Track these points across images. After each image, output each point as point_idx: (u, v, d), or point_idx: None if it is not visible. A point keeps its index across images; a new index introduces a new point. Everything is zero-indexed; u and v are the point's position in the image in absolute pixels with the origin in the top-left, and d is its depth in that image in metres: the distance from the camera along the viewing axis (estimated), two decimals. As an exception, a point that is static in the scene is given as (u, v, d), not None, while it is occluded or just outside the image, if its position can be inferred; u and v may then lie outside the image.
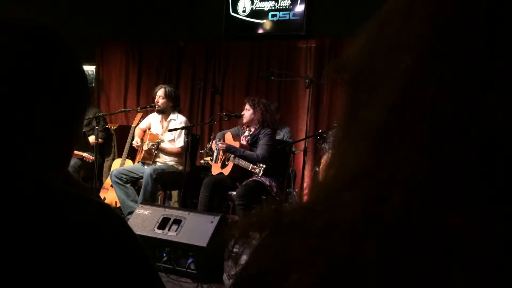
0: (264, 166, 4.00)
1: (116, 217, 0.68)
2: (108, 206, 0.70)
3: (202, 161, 5.51)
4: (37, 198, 0.63)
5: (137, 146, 4.92)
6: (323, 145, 4.54)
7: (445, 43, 0.31)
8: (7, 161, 0.64)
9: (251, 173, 4.20)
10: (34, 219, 0.61)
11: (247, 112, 4.50)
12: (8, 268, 0.58)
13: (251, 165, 4.09)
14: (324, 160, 4.49)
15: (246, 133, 4.61)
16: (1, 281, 0.58)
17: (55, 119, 0.68)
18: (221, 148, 4.36)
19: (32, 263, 0.59)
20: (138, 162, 4.89)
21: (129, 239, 0.67)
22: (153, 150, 4.73)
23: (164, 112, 4.88)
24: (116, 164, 5.15)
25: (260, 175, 4.02)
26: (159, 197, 5.02)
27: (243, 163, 4.19)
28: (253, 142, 4.50)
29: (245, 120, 4.54)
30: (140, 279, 0.65)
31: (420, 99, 0.31)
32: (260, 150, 4.37)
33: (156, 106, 4.86)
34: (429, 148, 0.30)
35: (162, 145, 4.79)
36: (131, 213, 3.98)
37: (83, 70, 0.74)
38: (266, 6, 6.45)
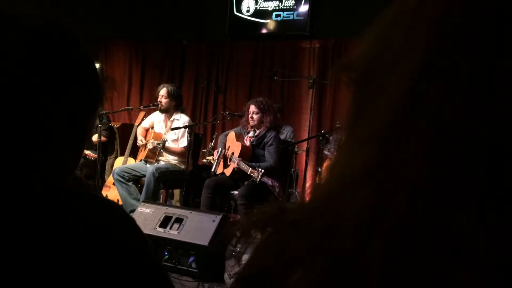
0: (262, 171, 3.97)
1: (126, 217, 0.68)
2: (118, 206, 0.69)
3: (204, 160, 5.51)
4: (48, 198, 0.63)
5: (141, 145, 4.91)
6: (326, 146, 4.52)
7: (453, 44, 0.31)
8: (20, 162, 0.63)
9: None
10: (44, 219, 0.61)
11: (256, 116, 4.45)
12: (17, 267, 0.58)
13: (250, 169, 4.05)
14: (326, 161, 4.49)
15: (251, 133, 4.58)
16: (9, 280, 0.58)
17: (69, 118, 0.67)
18: (237, 166, 4.24)
19: (42, 263, 0.58)
20: (141, 160, 4.89)
21: (139, 240, 0.67)
22: (159, 149, 4.72)
23: (168, 111, 4.87)
24: (119, 162, 5.15)
25: (258, 180, 3.97)
26: (161, 196, 5.02)
27: (243, 166, 4.16)
28: (257, 143, 4.48)
29: (253, 123, 4.47)
30: (149, 279, 0.65)
31: (427, 99, 0.31)
32: (271, 158, 4.34)
33: (159, 106, 4.86)
34: (434, 148, 0.30)
35: (166, 144, 4.79)
36: (133, 211, 3.98)
37: (95, 68, 0.72)
38: (270, 6, 6.45)
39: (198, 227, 3.30)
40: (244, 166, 4.13)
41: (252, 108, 4.47)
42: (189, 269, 3.23)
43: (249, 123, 4.53)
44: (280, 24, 6.43)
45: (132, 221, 0.68)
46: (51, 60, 0.65)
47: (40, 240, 0.59)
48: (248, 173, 4.04)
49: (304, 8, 6.24)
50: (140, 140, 4.91)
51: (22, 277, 0.58)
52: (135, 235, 0.67)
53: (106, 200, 0.69)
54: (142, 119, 5.19)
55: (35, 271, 0.58)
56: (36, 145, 0.64)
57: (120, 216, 0.67)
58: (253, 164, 4.21)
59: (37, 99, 0.63)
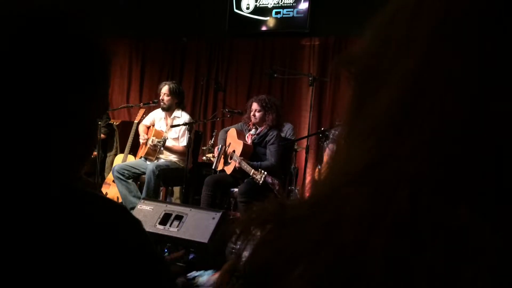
0: (265, 173, 3.97)
1: (132, 219, 0.68)
2: (124, 207, 0.68)
3: (204, 157, 5.51)
4: (56, 197, 0.63)
5: (143, 141, 4.90)
6: (325, 143, 4.52)
7: (454, 38, 0.31)
8: (31, 162, 0.62)
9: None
10: (57, 219, 0.61)
11: (258, 113, 4.43)
12: (31, 265, 0.58)
13: (253, 170, 4.04)
14: (326, 155, 4.49)
15: (253, 131, 4.56)
16: (23, 278, 0.57)
17: (76, 113, 0.65)
18: (239, 165, 4.22)
19: (47, 262, 0.58)
20: (141, 157, 4.89)
21: (144, 241, 0.67)
22: (159, 147, 4.71)
23: (169, 109, 4.86)
24: (118, 160, 5.15)
25: (261, 182, 3.95)
26: (161, 193, 5.02)
27: (245, 166, 4.14)
28: (259, 142, 4.47)
29: (255, 121, 4.45)
30: (152, 278, 0.65)
31: (428, 94, 0.31)
32: (272, 157, 4.34)
33: (162, 104, 4.84)
34: (435, 144, 0.30)
35: (167, 143, 4.78)
36: (132, 209, 3.97)
37: (106, 60, 0.70)
38: (270, 3, 6.44)
39: (198, 225, 3.30)
40: (246, 167, 4.11)
41: (255, 105, 4.45)
42: (189, 266, 3.23)
43: (251, 120, 4.51)
44: (280, 21, 6.42)
45: (138, 222, 0.68)
46: (60, 51, 0.63)
47: (46, 239, 0.59)
48: (251, 174, 4.03)
49: (304, 5, 6.23)
50: (142, 136, 4.91)
51: (27, 275, 0.58)
52: (140, 236, 0.67)
53: (112, 201, 0.69)
54: (142, 117, 5.19)
55: (38, 269, 0.58)
56: (43, 142, 0.63)
57: (126, 217, 0.67)
58: (255, 164, 4.20)
59: (46, 92, 0.62)
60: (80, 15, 0.67)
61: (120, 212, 0.67)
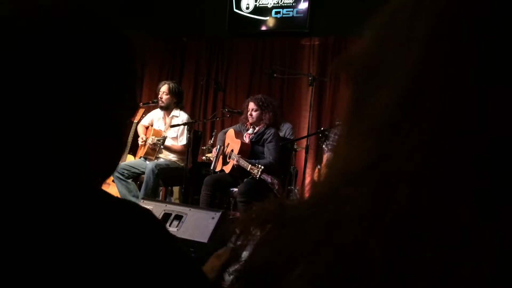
0: (262, 167, 3.98)
1: (157, 221, 0.67)
2: (148, 210, 0.67)
3: (203, 157, 5.51)
4: (82, 200, 0.62)
5: (143, 142, 4.91)
6: (324, 144, 4.52)
7: (452, 38, 0.31)
8: (28, 161, 0.62)
9: (252, 172, 4.18)
10: (57, 220, 0.60)
11: (255, 113, 4.45)
12: (56, 267, 0.57)
13: (250, 166, 4.06)
14: (325, 158, 4.49)
15: (250, 130, 4.58)
16: (48, 281, 0.57)
17: (76, 113, 0.64)
18: (237, 163, 4.24)
19: (78, 265, 0.58)
20: (140, 157, 4.89)
21: (170, 242, 0.66)
22: (159, 145, 4.71)
23: (168, 108, 4.87)
24: (118, 160, 5.15)
25: (258, 176, 3.98)
26: (161, 193, 5.02)
27: (243, 163, 4.16)
28: (256, 140, 4.48)
29: (252, 120, 4.47)
30: (181, 279, 0.65)
31: (427, 93, 0.31)
32: (270, 155, 4.35)
33: (160, 102, 4.85)
34: (435, 144, 0.30)
35: (166, 142, 4.78)
36: (132, 208, 3.96)
37: (120, 58, 0.68)
38: (270, 3, 6.44)
39: (197, 224, 3.30)
40: (243, 163, 4.14)
41: (251, 105, 4.47)
42: (188, 266, 3.23)
43: (248, 120, 4.53)
44: (280, 21, 6.42)
45: (163, 225, 0.67)
46: (59, 51, 0.63)
47: (45, 241, 0.58)
48: (248, 169, 4.04)
49: (303, 5, 6.23)
50: (141, 138, 4.91)
51: (60, 276, 0.57)
52: (166, 238, 0.66)
53: (135, 204, 0.68)
54: (142, 117, 5.19)
55: (71, 271, 0.57)
56: (42, 142, 0.62)
57: (152, 219, 0.66)
58: (253, 161, 4.21)
59: (44, 92, 0.61)
60: (82, 14, 0.67)
61: (144, 215, 0.66)
